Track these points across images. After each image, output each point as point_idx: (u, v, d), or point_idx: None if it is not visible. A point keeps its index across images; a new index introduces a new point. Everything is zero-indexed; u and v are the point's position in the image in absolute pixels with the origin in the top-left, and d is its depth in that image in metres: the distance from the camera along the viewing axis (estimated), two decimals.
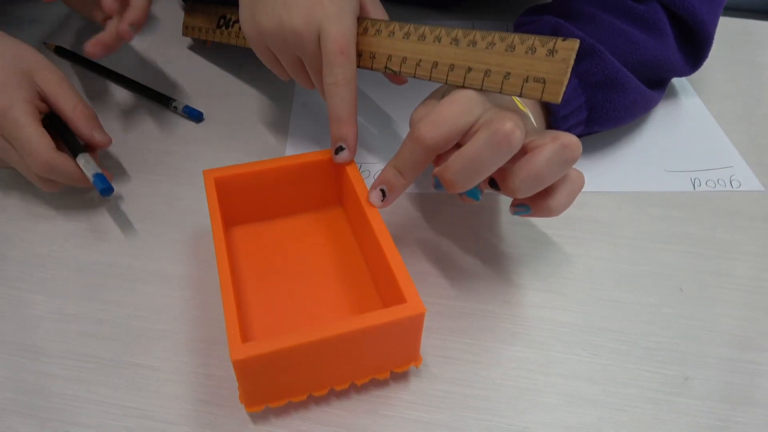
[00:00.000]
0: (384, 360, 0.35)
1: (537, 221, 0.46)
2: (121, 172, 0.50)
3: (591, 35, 0.47)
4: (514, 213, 0.37)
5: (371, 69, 0.43)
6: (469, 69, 0.38)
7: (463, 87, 0.38)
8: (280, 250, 0.42)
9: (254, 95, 0.58)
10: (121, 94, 0.58)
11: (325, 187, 0.44)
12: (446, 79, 0.39)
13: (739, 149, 0.53)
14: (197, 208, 0.47)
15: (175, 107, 0.56)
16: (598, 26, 0.48)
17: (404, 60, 0.40)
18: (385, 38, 0.41)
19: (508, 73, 0.36)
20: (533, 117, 0.42)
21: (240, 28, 0.46)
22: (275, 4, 0.41)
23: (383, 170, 0.38)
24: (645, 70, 0.49)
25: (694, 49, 0.52)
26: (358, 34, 0.42)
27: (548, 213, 0.36)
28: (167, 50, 0.64)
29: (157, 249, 0.44)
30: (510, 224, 0.46)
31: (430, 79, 0.40)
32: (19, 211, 0.46)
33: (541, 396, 0.36)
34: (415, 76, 0.40)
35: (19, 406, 0.35)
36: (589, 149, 0.52)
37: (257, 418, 0.35)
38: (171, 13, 0.68)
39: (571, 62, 0.34)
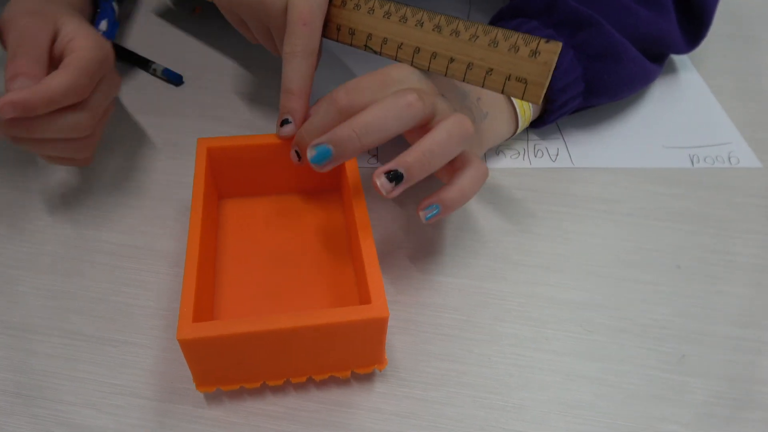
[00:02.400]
0: (344, 359, 0.34)
1: (533, 197, 0.45)
2: (101, 144, 0.48)
3: (591, 8, 0.46)
4: (425, 217, 0.35)
5: (350, 45, 0.41)
6: (452, 59, 0.37)
7: (445, 75, 0.38)
8: (268, 229, 0.41)
9: (242, 62, 0.57)
10: None
11: None
12: (428, 66, 0.38)
13: (738, 126, 0.52)
14: (185, 182, 0.45)
15: (154, 70, 0.54)
16: (606, 3, 0.47)
17: (385, 41, 0.39)
18: (364, 15, 0.40)
19: (491, 69, 0.36)
20: None
21: None
22: None
23: (297, 133, 0.39)
24: (645, 44, 0.48)
25: (693, 27, 0.51)
26: (335, 6, 0.41)
27: (452, 202, 0.35)
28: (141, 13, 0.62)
29: (143, 224, 0.43)
30: (507, 200, 0.45)
31: (411, 64, 0.39)
32: (2, 187, 0.45)
33: (536, 373, 0.36)
34: (396, 59, 0.39)
35: (4, 385, 0.34)
36: (587, 125, 0.51)
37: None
38: None
39: (553, 65, 0.34)
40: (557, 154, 0.48)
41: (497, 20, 0.51)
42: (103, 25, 0.51)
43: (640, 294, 0.40)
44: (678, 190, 0.47)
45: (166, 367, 0.35)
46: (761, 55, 0.61)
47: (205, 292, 0.34)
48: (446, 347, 0.37)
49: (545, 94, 0.44)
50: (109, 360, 0.35)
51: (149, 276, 0.40)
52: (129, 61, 0.55)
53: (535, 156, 0.48)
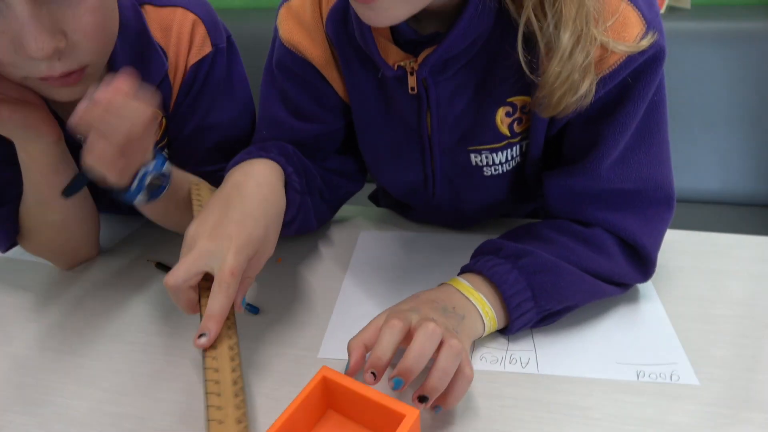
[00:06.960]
0: None
1: (525, 409, 0.58)
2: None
3: (548, 251, 0.63)
4: (436, 411, 0.54)
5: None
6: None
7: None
8: None
9: (303, 292, 0.76)
10: None
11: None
12: None
13: (688, 346, 0.64)
14: (267, 393, 0.61)
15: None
16: (555, 244, 0.64)
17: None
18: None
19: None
20: (489, 301, 0.61)
21: None
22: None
23: (373, 356, 0.53)
24: (595, 275, 0.64)
25: (640, 266, 0.66)
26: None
27: (453, 403, 0.54)
28: None
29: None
30: (502, 407, 0.58)
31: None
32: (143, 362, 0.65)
33: None
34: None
35: None
36: (556, 340, 0.65)
37: None
38: None
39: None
40: (528, 362, 0.62)
41: (474, 256, 0.68)
42: None
43: None
44: (624, 397, 0.59)
45: None
46: (720, 284, 0.73)
47: None
48: None
49: (501, 301, 0.62)
50: None
51: None
52: None
53: (510, 362, 0.62)
